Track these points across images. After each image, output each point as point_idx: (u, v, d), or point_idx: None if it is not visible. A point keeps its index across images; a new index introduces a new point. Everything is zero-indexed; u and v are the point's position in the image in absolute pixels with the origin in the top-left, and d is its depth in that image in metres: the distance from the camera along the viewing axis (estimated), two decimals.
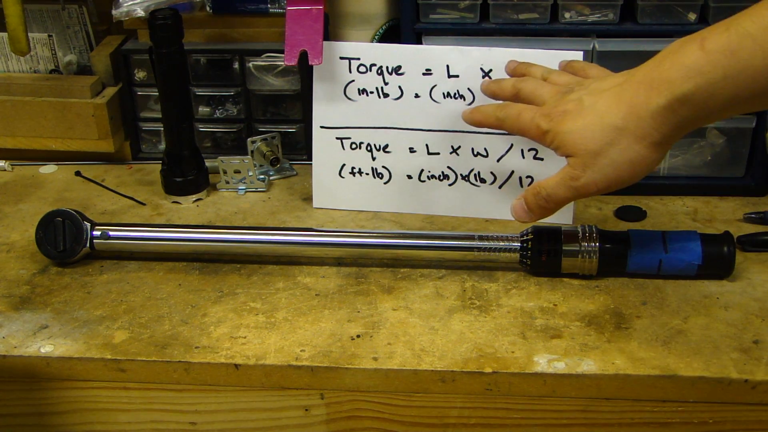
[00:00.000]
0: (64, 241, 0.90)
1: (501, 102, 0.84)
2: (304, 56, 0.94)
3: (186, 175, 1.03)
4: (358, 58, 0.96)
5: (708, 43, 0.64)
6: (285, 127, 1.11)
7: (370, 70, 0.96)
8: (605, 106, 0.70)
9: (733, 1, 0.91)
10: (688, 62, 0.65)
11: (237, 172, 1.05)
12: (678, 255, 0.83)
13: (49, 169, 1.13)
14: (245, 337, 0.80)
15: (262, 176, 1.06)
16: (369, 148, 0.99)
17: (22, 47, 1.02)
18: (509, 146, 0.95)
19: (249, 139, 1.07)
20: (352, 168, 1.00)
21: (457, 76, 0.94)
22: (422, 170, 0.98)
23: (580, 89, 0.75)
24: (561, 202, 0.75)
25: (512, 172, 0.96)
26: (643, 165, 0.71)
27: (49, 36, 1.11)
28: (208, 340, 0.80)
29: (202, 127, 1.12)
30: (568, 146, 0.72)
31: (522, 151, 0.95)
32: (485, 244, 0.86)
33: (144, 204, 1.04)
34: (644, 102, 0.68)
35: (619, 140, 0.69)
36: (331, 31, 1.05)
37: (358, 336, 0.80)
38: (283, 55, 0.94)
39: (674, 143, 0.71)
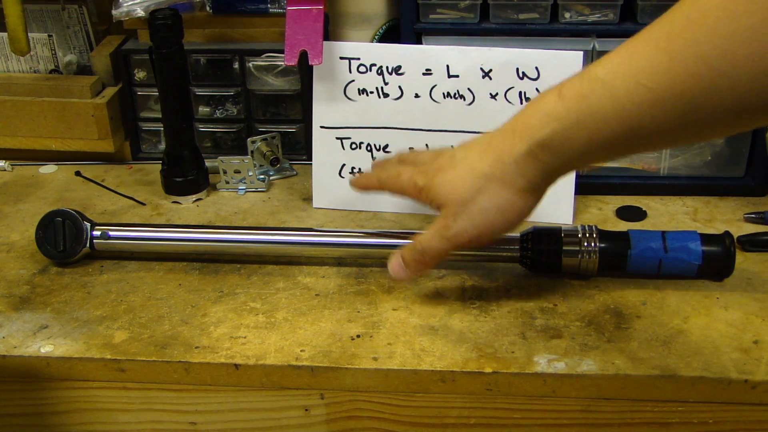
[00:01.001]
0: (64, 241, 0.90)
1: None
2: (304, 56, 0.94)
3: (186, 175, 1.03)
4: (358, 58, 0.96)
5: (564, 89, 0.65)
6: (285, 127, 1.11)
7: (370, 70, 0.96)
8: (475, 156, 0.72)
9: None
10: (546, 109, 0.66)
11: (237, 172, 1.05)
12: (678, 255, 0.83)
13: (49, 169, 1.13)
14: (245, 337, 0.80)
15: (262, 176, 1.07)
16: (369, 148, 0.99)
17: (22, 47, 1.02)
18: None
19: (249, 139, 1.07)
20: (352, 168, 1.00)
21: (457, 76, 0.94)
22: None
23: (455, 147, 0.77)
24: (436, 255, 0.76)
25: None
26: (513, 212, 0.72)
27: (49, 36, 1.11)
28: (208, 340, 0.80)
29: (202, 127, 1.12)
30: (440, 197, 0.74)
31: None
32: None
33: (144, 204, 1.04)
34: (508, 149, 0.69)
35: (487, 187, 0.71)
36: (331, 31, 1.05)
37: (358, 336, 0.80)
38: (283, 55, 0.94)
39: (545, 190, 0.71)
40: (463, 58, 0.94)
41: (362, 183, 0.86)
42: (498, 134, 0.71)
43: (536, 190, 0.71)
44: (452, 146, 0.78)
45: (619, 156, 0.70)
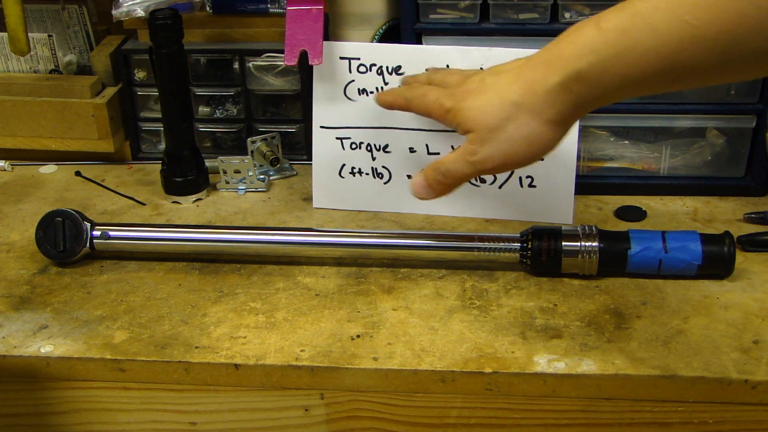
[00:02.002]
0: (64, 241, 0.90)
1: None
2: (304, 56, 0.94)
3: (186, 175, 1.03)
4: (358, 58, 0.96)
5: (603, 22, 0.65)
6: (285, 127, 1.11)
7: (370, 70, 0.96)
8: (505, 83, 0.71)
9: None
10: (582, 40, 0.66)
11: (237, 172, 1.05)
12: (678, 255, 0.83)
13: (49, 169, 1.13)
14: (245, 337, 0.80)
15: (262, 176, 1.07)
16: (369, 148, 0.99)
17: (22, 47, 1.02)
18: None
19: (249, 139, 1.07)
20: (352, 168, 1.00)
21: None
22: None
23: (484, 71, 0.76)
24: (459, 177, 0.75)
25: (512, 172, 0.96)
26: (540, 142, 0.71)
27: (49, 36, 1.11)
28: (208, 340, 0.80)
29: (202, 127, 1.12)
30: (467, 122, 0.73)
31: None
32: (485, 244, 0.86)
33: (144, 204, 1.04)
34: (541, 79, 0.69)
35: (516, 116, 0.70)
36: (331, 31, 1.05)
37: (358, 336, 0.80)
38: (283, 55, 0.94)
39: (573, 123, 0.71)
40: (463, 58, 0.94)
41: (387, 99, 0.85)
42: (529, 64, 0.71)
43: (565, 122, 0.71)
44: (481, 68, 0.77)
45: (650, 92, 0.69)
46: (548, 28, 0.96)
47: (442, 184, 0.76)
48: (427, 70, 0.91)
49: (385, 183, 0.99)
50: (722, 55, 0.60)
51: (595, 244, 0.84)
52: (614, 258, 0.84)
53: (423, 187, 0.77)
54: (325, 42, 0.95)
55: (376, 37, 1.06)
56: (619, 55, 0.64)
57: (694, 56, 0.61)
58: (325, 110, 0.98)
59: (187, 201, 1.04)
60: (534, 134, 0.70)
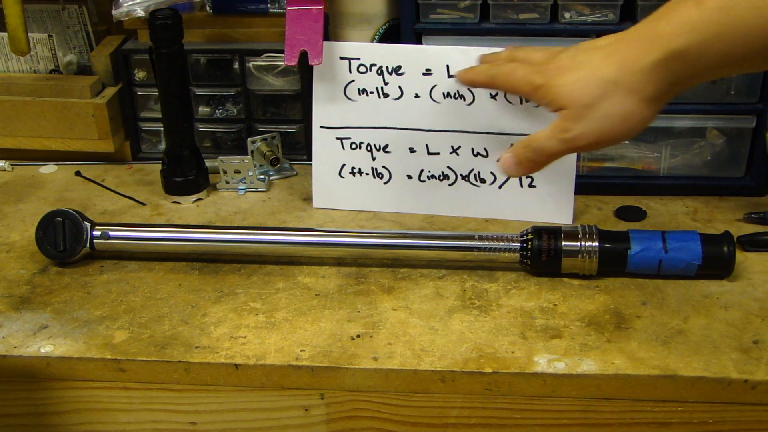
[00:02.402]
0: (64, 241, 0.90)
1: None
2: (304, 56, 0.94)
3: (186, 175, 1.03)
4: (358, 58, 0.96)
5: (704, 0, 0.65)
6: (285, 127, 1.11)
7: (370, 70, 0.96)
8: (599, 60, 0.71)
9: None
10: (683, 18, 0.66)
11: (237, 172, 1.05)
12: (678, 255, 0.83)
13: (49, 169, 1.13)
14: (245, 337, 0.80)
15: (262, 176, 1.07)
16: (369, 148, 0.99)
17: (22, 47, 1.02)
18: (509, 146, 0.95)
19: (249, 139, 1.07)
20: (352, 168, 1.00)
21: None
22: (422, 170, 0.98)
23: (574, 48, 0.75)
24: (552, 155, 0.75)
25: None
26: (635, 120, 0.71)
27: (49, 36, 1.11)
28: (208, 340, 0.80)
29: (202, 127, 1.12)
30: (560, 99, 0.72)
31: None
32: (485, 244, 0.86)
33: (144, 204, 1.04)
34: (637, 57, 0.68)
35: (612, 94, 0.70)
36: (331, 31, 1.05)
37: (358, 336, 0.80)
38: (283, 55, 0.94)
39: (668, 101, 0.71)
40: (463, 58, 0.94)
41: (469, 77, 0.84)
42: (624, 41, 0.70)
43: (660, 100, 0.70)
44: (565, 48, 0.76)
45: (750, 70, 0.70)
46: (548, 28, 0.96)
47: (532, 162, 0.76)
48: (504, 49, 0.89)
49: (385, 183, 0.99)
50: None
51: (595, 244, 0.84)
52: (614, 258, 0.84)
53: (513, 165, 0.77)
54: (325, 42, 0.95)
55: (376, 37, 1.06)
56: (721, 33, 0.64)
57: None
58: (325, 110, 0.98)
59: (187, 201, 1.04)
60: (629, 112, 0.70)
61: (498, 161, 0.79)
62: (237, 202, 1.03)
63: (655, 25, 0.68)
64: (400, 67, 0.95)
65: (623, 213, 0.98)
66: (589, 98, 0.70)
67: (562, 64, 0.73)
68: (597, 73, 0.70)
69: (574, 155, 0.94)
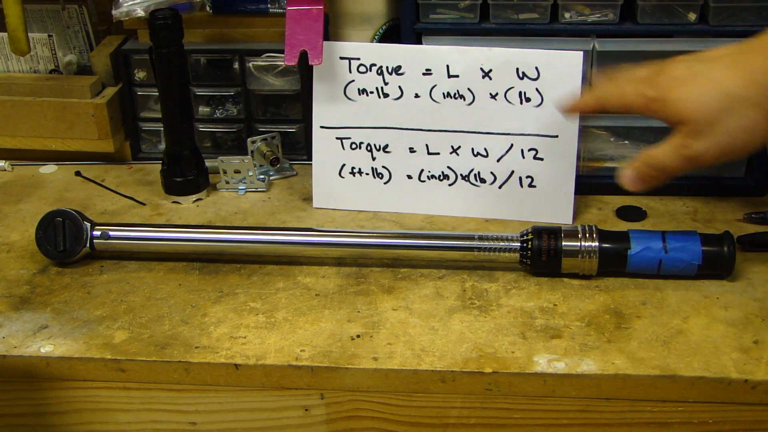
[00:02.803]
0: (64, 241, 0.90)
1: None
2: (304, 56, 0.94)
3: (186, 175, 1.03)
4: (358, 58, 0.96)
5: None
6: (285, 127, 1.11)
7: (370, 70, 0.96)
8: (720, 72, 0.67)
9: (733, 0, 0.91)
10: None
11: (237, 172, 1.05)
12: (678, 255, 0.83)
13: (49, 169, 1.13)
14: (245, 337, 0.80)
15: (262, 176, 1.07)
16: (369, 148, 0.99)
17: (22, 47, 1.02)
18: (509, 146, 0.95)
19: (249, 139, 1.07)
20: (352, 168, 1.00)
21: (457, 76, 0.94)
22: (422, 170, 0.98)
23: (687, 58, 0.71)
24: (672, 172, 0.73)
25: (512, 172, 0.96)
26: (759, 134, 0.68)
27: (49, 36, 1.11)
28: (208, 340, 0.80)
29: (202, 127, 1.12)
30: (680, 113, 0.69)
31: (522, 151, 0.95)
32: (485, 244, 0.86)
33: (144, 204, 1.04)
34: (763, 69, 0.65)
35: (737, 108, 0.66)
36: (331, 31, 1.05)
37: (358, 336, 0.80)
38: (283, 55, 0.94)
39: None
40: (463, 58, 0.94)
41: (578, 106, 0.80)
42: (746, 51, 0.67)
43: None
44: (674, 58, 0.72)
45: None
46: (548, 28, 0.96)
47: (653, 179, 0.74)
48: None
49: (385, 183, 0.99)
50: None
51: (595, 244, 0.84)
52: (614, 258, 0.84)
53: (634, 181, 0.75)
54: (325, 42, 0.95)
55: (376, 37, 1.06)
56: None
57: None
58: (325, 110, 0.98)
59: (187, 201, 1.04)
60: (755, 126, 0.67)
61: (617, 176, 0.76)
62: (237, 202, 1.03)
63: None
64: (400, 67, 0.95)
65: (623, 213, 0.98)
66: (712, 113, 0.67)
67: (677, 75, 0.70)
68: (720, 86, 0.67)
69: (574, 155, 0.94)
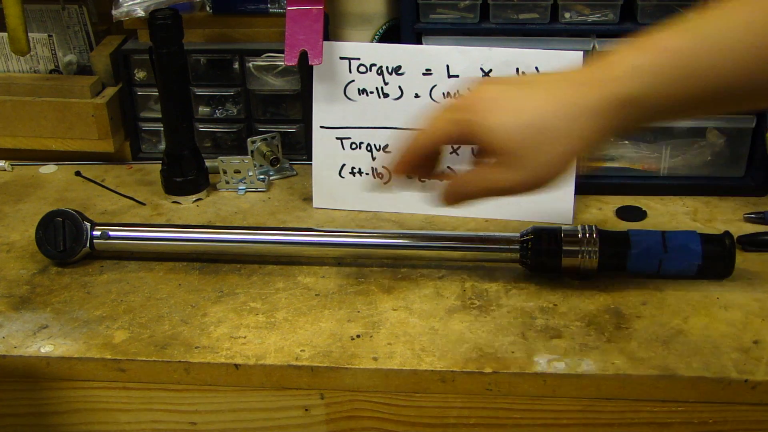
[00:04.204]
0: (64, 241, 0.90)
1: None
2: (304, 56, 0.94)
3: (186, 175, 1.03)
4: (358, 58, 0.96)
5: (658, 43, 0.61)
6: (285, 127, 1.11)
7: (370, 70, 0.96)
8: (538, 102, 0.64)
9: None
10: (635, 62, 0.61)
11: (237, 172, 1.05)
12: (678, 255, 0.83)
13: (49, 169, 1.13)
14: (245, 337, 0.80)
15: (262, 176, 1.06)
16: (369, 148, 0.99)
17: (22, 47, 1.02)
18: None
19: (249, 139, 1.07)
20: (352, 168, 1.00)
21: (457, 76, 0.94)
22: None
23: (502, 80, 0.69)
24: (481, 200, 0.71)
25: None
26: (568, 166, 0.66)
27: (49, 36, 1.11)
28: (208, 340, 0.80)
29: (202, 127, 1.12)
30: (492, 142, 0.65)
31: None
32: (485, 244, 0.86)
33: (144, 204, 1.04)
34: (582, 101, 0.63)
35: (551, 140, 0.63)
36: (331, 31, 1.05)
37: (358, 336, 0.80)
38: (283, 55, 0.94)
39: (610, 142, 0.67)
40: (463, 58, 0.94)
41: (400, 168, 0.73)
42: (566, 82, 0.64)
43: (604, 142, 0.66)
44: (495, 79, 0.69)
45: (699, 115, 0.65)
46: (548, 28, 0.96)
47: (464, 203, 0.71)
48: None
49: (385, 183, 0.99)
50: None
51: (595, 244, 0.84)
52: (614, 258, 0.84)
53: (444, 202, 0.72)
54: (325, 42, 0.95)
55: (376, 37, 1.06)
56: (675, 77, 0.60)
57: (754, 78, 0.59)
58: (325, 110, 0.98)
59: (187, 201, 1.04)
60: (570, 158, 0.65)
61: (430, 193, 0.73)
62: (237, 202, 1.03)
63: (604, 70, 0.63)
64: (400, 67, 0.95)
65: (623, 213, 0.98)
66: (526, 145, 0.64)
67: (490, 99, 0.66)
68: (535, 117, 0.64)
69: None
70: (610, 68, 0.62)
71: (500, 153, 0.65)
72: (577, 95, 0.63)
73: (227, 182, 1.06)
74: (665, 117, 0.64)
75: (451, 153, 0.97)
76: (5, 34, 1.04)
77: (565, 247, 0.84)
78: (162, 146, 1.13)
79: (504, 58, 0.93)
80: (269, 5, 1.08)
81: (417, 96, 0.96)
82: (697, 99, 0.61)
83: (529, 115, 0.63)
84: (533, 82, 0.66)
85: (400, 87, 0.96)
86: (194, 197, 1.04)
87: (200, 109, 1.12)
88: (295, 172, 1.09)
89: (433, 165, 0.74)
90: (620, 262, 0.84)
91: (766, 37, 0.58)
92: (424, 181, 0.75)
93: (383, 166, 0.99)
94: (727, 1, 0.60)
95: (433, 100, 0.95)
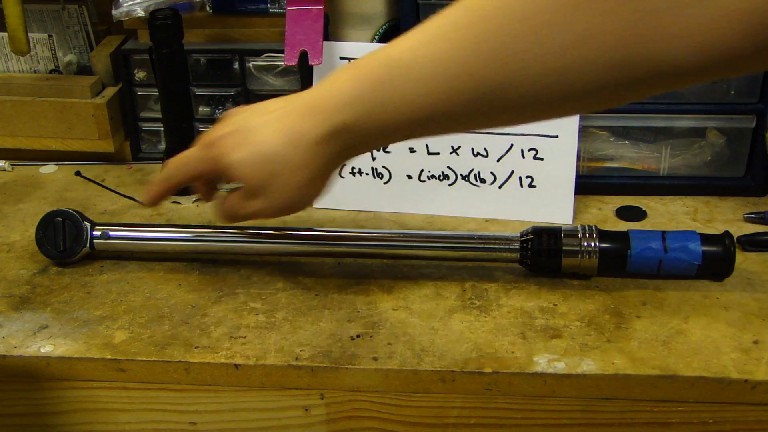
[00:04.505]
0: (64, 241, 0.90)
1: None
2: (304, 56, 0.94)
3: None
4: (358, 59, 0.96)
5: (364, 70, 0.65)
6: None
7: None
8: (268, 134, 0.70)
9: None
10: (345, 91, 0.65)
11: None
12: (678, 255, 0.83)
13: (49, 169, 1.13)
14: (245, 337, 0.80)
15: None
16: None
17: (22, 47, 1.02)
18: (509, 146, 0.95)
19: None
20: (352, 168, 1.00)
21: None
22: (422, 170, 0.98)
23: (243, 111, 0.74)
24: (238, 221, 0.78)
25: (512, 172, 0.96)
26: (313, 190, 0.72)
27: (49, 36, 1.11)
28: (208, 340, 0.80)
29: (202, 127, 1.11)
30: (236, 176, 0.72)
31: (522, 151, 0.95)
32: (485, 244, 0.86)
33: (144, 204, 1.04)
34: (306, 131, 0.68)
35: (284, 170, 0.69)
36: (331, 31, 1.05)
37: (358, 336, 0.80)
38: (283, 55, 0.94)
39: (342, 164, 0.73)
40: None
41: (152, 196, 0.83)
42: (294, 112, 0.69)
43: (334, 167, 0.72)
44: (237, 109, 0.76)
45: (421, 137, 0.70)
46: None
47: (231, 220, 0.79)
48: None
49: (385, 183, 0.99)
50: (483, 105, 0.60)
51: (595, 244, 0.84)
52: (614, 258, 0.84)
53: (222, 221, 0.79)
54: (325, 42, 0.95)
55: (376, 37, 1.06)
56: (383, 105, 0.63)
57: (456, 105, 0.61)
58: None
59: (187, 201, 1.04)
60: (305, 184, 0.70)
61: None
62: None
63: (319, 96, 0.68)
64: None
65: (623, 213, 0.98)
66: (261, 177, 0.70)
67: (231, 131, 0.72)
68: (265, 151, 0.69)
69: (574, 155, 0.94)
70: (326, 97, 0.67)
71: (246, 185, 0.72)
72: (302, 125, 0.68)
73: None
74: (387, 139, 0.69)
75: (450, 153, 0.97)
76: (5, 34, 1.04)
77: (565, 247, 0.84)
78: (162, 146, 1.13)
79: None
80: (269, 5, 1.08)
81: None
82: (408, 124, 0.64)
83: (264, 149, 0.69)
84: (268, 111, 0.71)
85: None
86: (194, 197, 1.04)
87: (200, 109, 1.12)
88: None
89: (208, 189, 0.84)
90: (620, 262, 0.84)
91: (451, 67, 0.59)
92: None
93: (383, 166, 0.99)
94: (426, 23, 0.62)
95: None
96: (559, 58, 0.56)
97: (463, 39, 0.59)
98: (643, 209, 0.98)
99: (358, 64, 0.65)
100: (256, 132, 0.70)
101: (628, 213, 0.98)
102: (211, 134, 0.74)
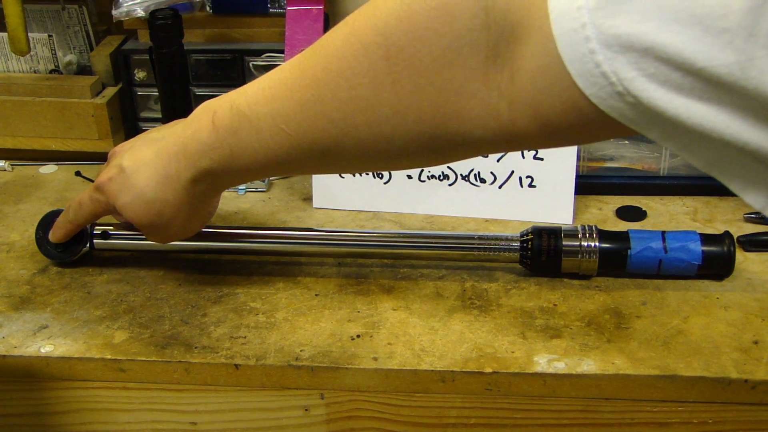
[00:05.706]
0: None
1: None
2: None
3: None
4: None
5: (217, 119, 0.69)
6: None
7: None
8: (144, 180, 0.75)
9: None
10: (202, 138, 0.70)
11: None
12: (678, 255, 0.83)
13: (49, 169, 1.13)
14: (245, 337, 0.80)
15: None
16: None
17: (22, 47, 1.02)
18: None
19: None
20: None
21: None
22: (422, 170, 0.98)
23: (123, 157, 0.78)
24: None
25: (512, 172, 0.96)
26: (196, 222, 0.80)
27: (49, 36, 1.11)
28: (208, 340, 0.80)
29: None
30: (127, 218, 0.78)
31: (522, 150, 0.95)
32: (485, 244, 0.86)
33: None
34: (176, 175, 0.73)
35: (164, 211, 0.76)
36: None
37: (358, 336, 0.80)
38: (283, 55, 0.94)
39: (220, 194, 0.80)
40: None
41: (59, 234, 0.88)
42: (165, 155, 0.74)
43: (209, 200, 0.79)
44: (125, 146, 0.81)
45: (285, 175, 0.77)
46: None
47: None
48: None
49: (385, 183, 0.99)
50: (321, 160, 0.65)
51: (595, 244, 0.84)
52: (614, 258, 0.84)
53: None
54: None
55: None
56: (234, 154, 0.68)
57: (297, 158, 0.65)
58: None
59: None
60: (186, 219, 0.77)
61: None
62: (237, 202, 1.03)
63: (187, 141, 0.72)
64: None
65: (623, 213, 0.98)
66: (149, 218, 0.76)
67: (115, 175, 0.77)
68: (145, 194, 0.75)
69: (573, 155, 0.94)
70: (190, 142, 0.72)
71: (136, 223, 0.78)
72: (173, 168, 0.73)
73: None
74: (249, 178, 0.73)
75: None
76: (5, 34, 1.04)
77: (565, 247, 0.84)
78: None
79: None
80: (269, 5, 1.08)
81: None
82: (261, 168, 0.69)
83: (142, 192, 0.75)
84: (144, 149, 0.76)
85: None
86: None
87: None
88: None
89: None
90: (620, 262, 0.84)
91: (288, 124, 0.63)
92: None
93: None
94: (269, 74, 0.66)
95: None
96: (382, 126, 0.60)
97: (294, 101, 0.63)
98: (643, 209, 0.98)
99: (216, 111, 0.69)
100: (134, 175, 0.75)
101: (628, 213, 0.98)
102: (100, 177, 0.79)
